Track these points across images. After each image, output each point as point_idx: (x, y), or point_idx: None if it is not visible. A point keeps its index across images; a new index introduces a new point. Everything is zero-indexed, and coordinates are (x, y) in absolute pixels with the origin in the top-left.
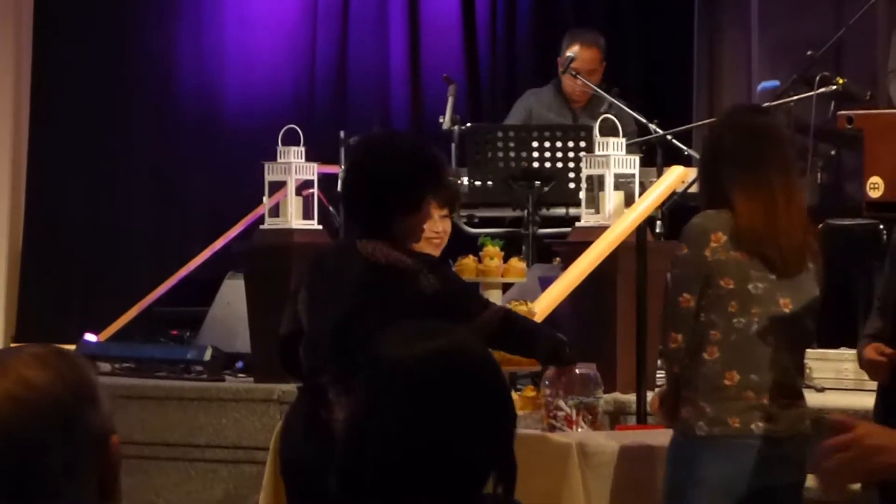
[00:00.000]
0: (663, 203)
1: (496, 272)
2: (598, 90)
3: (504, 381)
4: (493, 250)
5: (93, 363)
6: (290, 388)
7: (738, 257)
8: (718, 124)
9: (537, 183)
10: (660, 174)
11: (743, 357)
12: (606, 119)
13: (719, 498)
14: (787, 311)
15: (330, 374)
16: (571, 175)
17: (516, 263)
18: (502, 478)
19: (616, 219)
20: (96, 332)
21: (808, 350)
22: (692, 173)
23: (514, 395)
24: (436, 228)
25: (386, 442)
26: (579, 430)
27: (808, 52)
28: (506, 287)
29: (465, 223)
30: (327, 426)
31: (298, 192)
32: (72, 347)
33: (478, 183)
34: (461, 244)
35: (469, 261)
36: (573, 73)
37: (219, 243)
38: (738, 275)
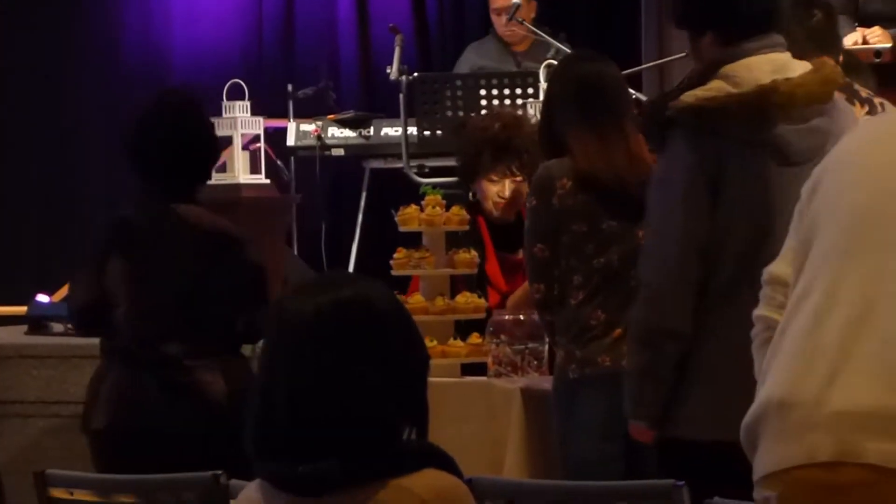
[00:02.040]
0: None
1: (439, 220)
2: (541, 34)
3: (411, 326)
4: (434, 199)
5: None
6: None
7: (586, 199)
8: (551, 74)
9: None
10: None
11: (606, 296)
12: (550, 65)
13: (596, 439)
14: None
15: (181, 342)
16: None
17: (457, 212)
18: (415, 423)
19: None
20: (49, 294)
21: None
22: None
23: (459, 343)
24: (504, 193)
25: (292, 397)
26: (525, 376)
27: None
28: (448, 235)
29: (416, 173)
30: (194, 392)
31: (246, 146)
32: (24, 308)
33: (427, 133)
34: (411, 193)
35: (412, 210)
36: (519, 20)
37: None
38: (588, 217)
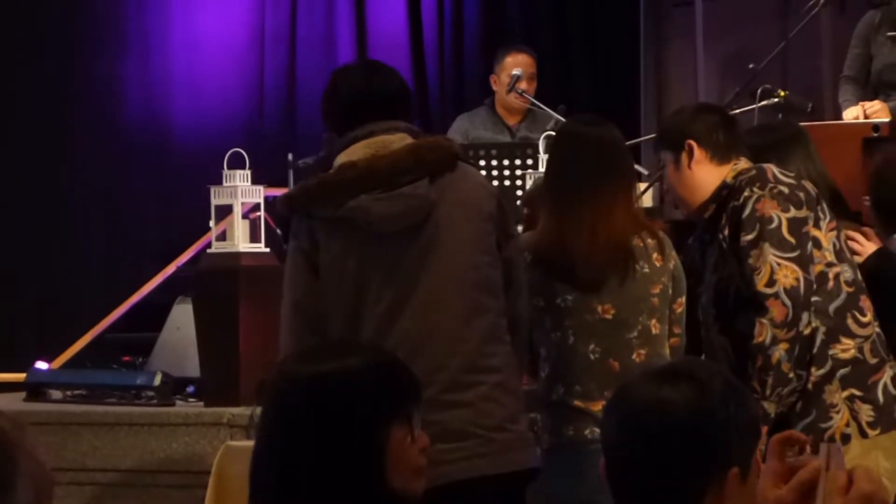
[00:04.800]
0: None
1: None
2: (543, 107)
3: None
4: None
5: (23, 435)
6: (241, 412)
7: (540, 275)
8: (549, 144)
9: None
10: None
11: (564, 370)
12: (550, 136)
13: None
14: (608, 317)
15: None
16: (518, 192)
17: None
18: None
19: None
20: (49, 360)
21: None
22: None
23: None
24: None
25: (285, 461)
26: None
27: (750, 66)
28: None
29: None
30: None
31: (245, 215)
32: (23, 375)
33: None
34: None
35: None
36: (519, 91)
37: (170, 268)
38: (544, 292)
